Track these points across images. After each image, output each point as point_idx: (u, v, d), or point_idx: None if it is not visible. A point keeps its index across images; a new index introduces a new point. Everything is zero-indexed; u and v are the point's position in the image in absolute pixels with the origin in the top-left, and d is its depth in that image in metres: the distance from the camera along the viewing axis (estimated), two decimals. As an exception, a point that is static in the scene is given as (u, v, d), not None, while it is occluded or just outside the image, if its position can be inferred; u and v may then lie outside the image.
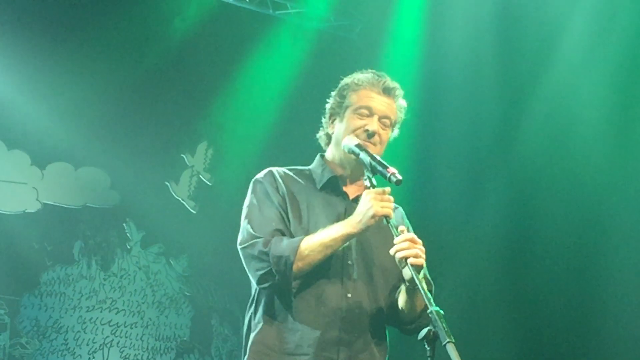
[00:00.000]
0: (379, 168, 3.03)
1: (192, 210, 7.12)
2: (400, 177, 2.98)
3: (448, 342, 2.63)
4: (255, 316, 3.14)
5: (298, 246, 3.00)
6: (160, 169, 7.02)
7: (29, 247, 6.42)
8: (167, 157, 7.08)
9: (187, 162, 7.22)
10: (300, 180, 3.23)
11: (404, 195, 6.66)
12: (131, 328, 6.69)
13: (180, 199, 7.11)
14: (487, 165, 7.17)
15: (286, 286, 3.02)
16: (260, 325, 3.10)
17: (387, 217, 2.99)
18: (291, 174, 3.25)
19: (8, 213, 6.36)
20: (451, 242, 7.09)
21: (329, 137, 3.31)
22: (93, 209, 6.71)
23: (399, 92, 3.26)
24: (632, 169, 6.42)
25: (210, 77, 7.15)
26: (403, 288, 3.15)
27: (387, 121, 3.23)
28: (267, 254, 3.01)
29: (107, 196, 6.77)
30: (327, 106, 3.32)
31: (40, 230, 6.47)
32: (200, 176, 7.23)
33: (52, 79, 6.46)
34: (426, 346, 2.72)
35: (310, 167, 3.33)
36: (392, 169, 3.01)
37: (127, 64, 6.74)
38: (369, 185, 3.05)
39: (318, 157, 3.34)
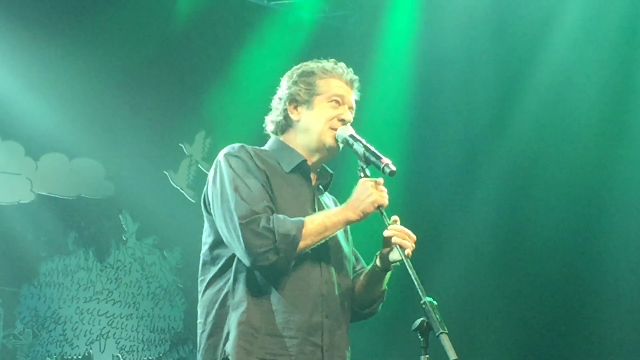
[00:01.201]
0: (373, 159, 3.04)
1: (191, 200, 7.12)
2: (394, 168, 2.99)
3: (441, 332, 2.65)
4: (234, 295, 3.05)
5: (303, 226, 2.98)
6: (156, 159, 7.00)
7: (23, 238, 6.40)
8: (164, 147, 7.07)
9: (186, 152, 7.22)
10: (269, 160, 3.19)
11: (398, 186, 6.68)
12: (127, 319, 6.70)
13: (179, 188, 7.11)
14: (480, 157, 7.18)
15: (286, 265, 2.98)
16: (244, 305, 3.02)
17: (382, 206, 3.02)
18: (258, 152, 3.21)
19: (2, 204, 6.34)
20: (445, 233, 7.10)
21: (286, 123, 3.27)
22: (87, 200, 6.69)
23: (357, 84, 3.30)
24: (625, 159, 6.44)
25: (205, 66, 7.14)
26: (366, 271, 3.21)
27: (352, 111, 3.26)
28: (271, 230, 2.95)
29: (101, 187, 6.75)
30: (287, 92, 3.27)
31: (34, 221, 6.45)
32: (199, 165, 7.23)
33: (46, 69, 6.43)
34: (419, 337, 2.72)
35: (267, 148, 3.29)
36: (385, 160, 3.02)
37: (122, 54, 6.72)
38: (363, 175, 3.07)
39: (276, 139, 3.30)
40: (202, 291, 3.18)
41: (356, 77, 3.29)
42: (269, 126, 3.33)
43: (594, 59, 6.55)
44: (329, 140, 3.19)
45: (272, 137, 3.32)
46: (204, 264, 3.20)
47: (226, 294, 3.08)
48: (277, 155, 3.24)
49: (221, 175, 3.12)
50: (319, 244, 3.04)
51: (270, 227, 2.95)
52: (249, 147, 3.20)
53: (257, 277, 3.05)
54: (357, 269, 3.33)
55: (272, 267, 2.98)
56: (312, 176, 3.27)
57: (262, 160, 3.16)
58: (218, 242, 3.13)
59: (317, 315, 3.06)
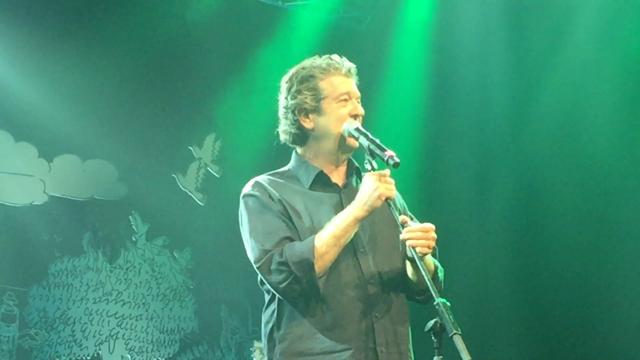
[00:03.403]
0: (377, 151, 3.02)
1: (199, 203, 7.12)
2: (397, 160, 2.97)
3: (455, 333, 2.63)
4: (279, 327, 3.10)
5: (314, 245, 2.98)
6: (167, 161, 7.01)
7: (37, 239, 6.41)
8: (175, 149, 7.07)
9: (195, 154, 7.21)
10: (287, 183, 3.20)
11: (413, 186, 6.68)
12: (136, 320, 6.69)
13: (187, 191, 7.10)
14: (496, 156, 7.17)
15: (314, 288, 2.99)
16: (289, 337, 3.07)
17: (389, 198, 3.00)
18: (276, 179, 3.21)
19: (15, 205, 6.36)
20: (460, 233, 7.08)
21: (302, 133, 3.22)
22: (100, 201, 6.70)
23: (355, 69, 3.27)
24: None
25: (216, 69, 7.13)
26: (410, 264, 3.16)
27: (359, 101, 3.24)
28: (285, 263, 2.98)
29: (114, 188, 6.76)
30: (293, 102, 3.21)
31: (47, 223, 6.46)
32: (208, 168, 7.23)
33: (60, 70, 6.45)
34: (433, 338, 2.71)
35: (289, 167, 3.29)
36: (389, 152, 2.99)
37: (136, 56, 6.72)
38: (369, 168, 3.05)
39: (295, 156, 3.29)
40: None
41: (352, 65, 3.25)
42: (282, 136, 3.31)
43: (611, 58, 6.53)
44: (347, 140, 3.18)
45: (293, 153, 3.31)
46: (264, 293, 3.25)
47: (272, 327, 3.14)
48: (297, 172, 3.24)
49: (243, 219, 3.18)
50: (340, 250, 3.03)
51: (283, 260, 2.99)
52: (263, 179, 3.21)
53: (297, 305, 3.08)
54: None
55: (302, 295, 3.02)
56: (338, 178, 3.25)
57: (279, 186, 3.17)
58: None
59: (367, 318, 3.06)
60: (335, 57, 3.26)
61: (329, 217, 3.08)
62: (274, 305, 3.14)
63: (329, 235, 3.00)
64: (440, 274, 3.22)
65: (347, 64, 3.23)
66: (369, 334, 3.04)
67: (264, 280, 3.08)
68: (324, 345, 3.03)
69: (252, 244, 3.09)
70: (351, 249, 3.08)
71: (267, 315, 3.17)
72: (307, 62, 3.26)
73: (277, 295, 3.08)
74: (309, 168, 3.22)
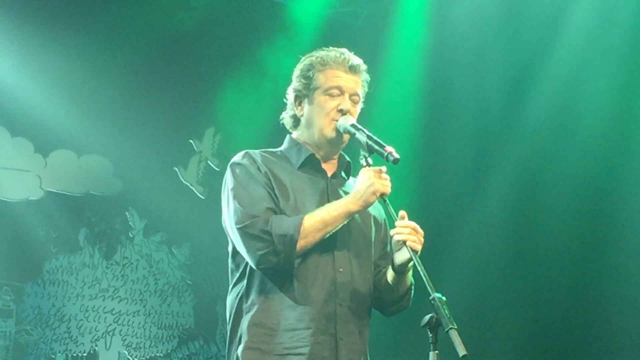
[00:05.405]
0: (376, 147, 3.04)
1: (200, 196, 7.13)
2: (397, 156, 2.99)
3: (450, 328, 2.64)
4: (247, 298, 3.12)
5: (301, 224, 3.00)
6: (165, 156, 7.00)
7: (33, 235, 6.42)
8: (173, 144, 7.07)
9: (195, 148, 7.22)
10: (277, 161, 3.24)
11: (409, 181, 6.69)
12: (133, 316, 6.69)
13: (189, 185, 7.11)
14: (492, 151, 7.17)
15: (288, 265, 3.02)
16: (256, 307, 3.08)
17: (384, 195, 3.01)
18: (267, 155, 3.26)
19: (11, 200, 6.36)
20: (455, 229, 7.07)
21: (296, 119, 3.32)
22: (96, 197, 6.70)
23: (363, 67, 3.29)
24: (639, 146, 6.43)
25: (216, 62, 7.12)
26: (390, 269, 3.18)
27: (356, 98, 3.26)
28: (269, 232, 3.00)
29: (109, 184, 6.75)
30: (291, 88, 3.32)
31: (43, 218, 6.46)
32: (208, 162, 7.23)
33: (55, 65, 6.43)
34: (429, 333, 2.71)
35: (280, 148, 3.33)
36: (389, 148, 3.02)
37: (132, 50, 6.70)
38: (365, 164, 3.08)
39: (289, 138, 3.35)
40: (227, 298, 3.25)
41: (358, 62, 3.27)
42: (285, 121, 3.38)
43: (605, 52, 6.56)
44: (329, 133, 3.22)
45: (287, 136, 3.37)
46: (230, 272, 3.25)
47: (240, 298, 3.14)
48: (288, 153, 3.29)
49: (227, 186, 3.20)
50: (324, 238, 3.05)
51: (267, 229, 3.00)
52: (255, 152, 3.26)
53: (266, 279, 3.09)
54: (384, 262, 3.28)
55: (275, 268, 3.04)
56: (328, 167, 3.29)
57: (268, 161, 3.21)
58: (235, 251, 3.18)
59: (331, 304, 3.07)
60: (342, 51, 3.28)
61: (312, 200, 3.13)
62: (242, 281, 3.14)
63: (318, 219, 3.02)
64: (411, 292, 3.24)
65: (351, 61, 3.25)
66: (331, 320, 3.06)
67: (241, 244, 3.05)
68: (287, 322, 3.04)
69: (235, 206, 3.09)
70: (328, 237, 3.09)
71: (235, 293, 3.17)
72: (315, 52, 3.31)
73: (250, 264, 3.07)
74: (301, 150, 3.27)
